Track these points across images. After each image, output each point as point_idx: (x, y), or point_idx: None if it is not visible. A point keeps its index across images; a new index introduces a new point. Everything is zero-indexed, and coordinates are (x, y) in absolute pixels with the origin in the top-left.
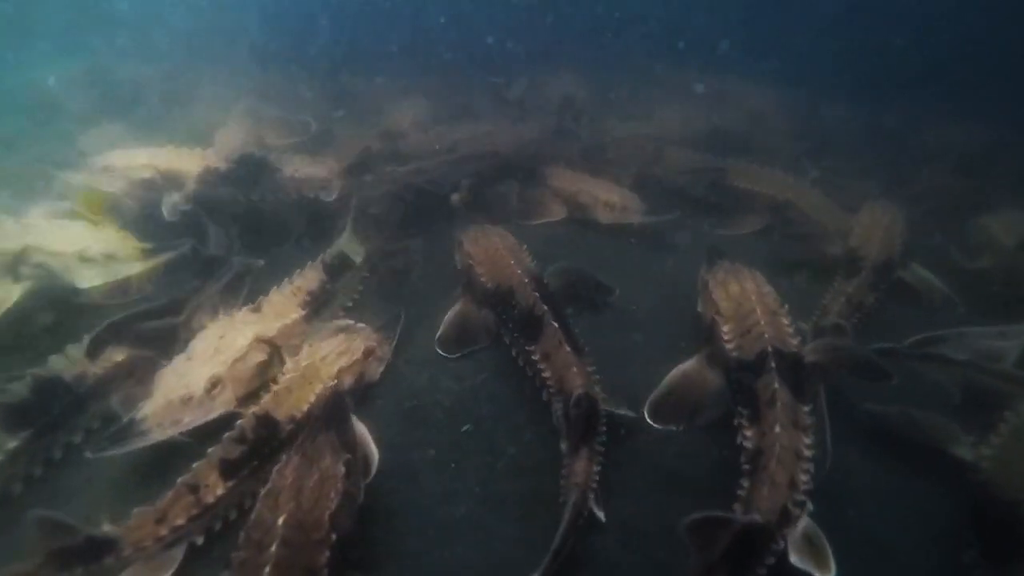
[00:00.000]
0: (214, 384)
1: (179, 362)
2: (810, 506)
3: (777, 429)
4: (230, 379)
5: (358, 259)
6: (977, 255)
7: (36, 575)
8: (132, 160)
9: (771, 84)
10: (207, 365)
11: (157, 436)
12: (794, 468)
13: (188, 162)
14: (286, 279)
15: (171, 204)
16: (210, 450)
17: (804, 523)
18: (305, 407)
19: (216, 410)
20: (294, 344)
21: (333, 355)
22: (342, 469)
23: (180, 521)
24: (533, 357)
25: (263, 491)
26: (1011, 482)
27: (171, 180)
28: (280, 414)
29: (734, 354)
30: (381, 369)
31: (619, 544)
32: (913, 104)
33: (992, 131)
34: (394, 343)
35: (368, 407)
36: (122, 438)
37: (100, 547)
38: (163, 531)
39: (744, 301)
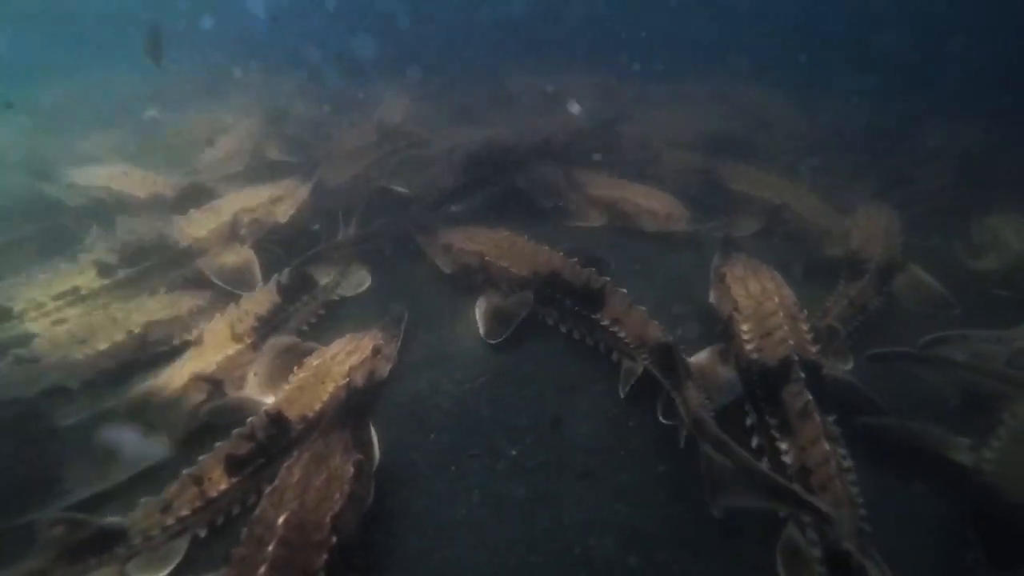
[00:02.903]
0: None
1: None
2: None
3: (825, 445)
4: (164, 427)
5: (324, 280)
6: (981, 255)
7: (49, 571)
8: (92, 179)
9: (772, 86)
10: (139, 410)
11: (81, 495)
12: (848, 483)
13: (139, 186)
14: (232, 303)
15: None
16: (217, 444)
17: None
18: (317, 406)
19: (147, 460)
20: (238, 376)
21: (343, 354)
22: (351, 470)
23: (185, 512)
24: (603, 323)
25: (270, 487)
26: (1015, 484)
27: (121, 203)
28: (292, 413)
29: (754, 356)
30: (389, 367)
31: (619, 545)
32: (913, 104)
33: (992, 131)
34: (399, 341)
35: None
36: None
37: (109, 538)
38: (169, 521)
39: (765, 301)
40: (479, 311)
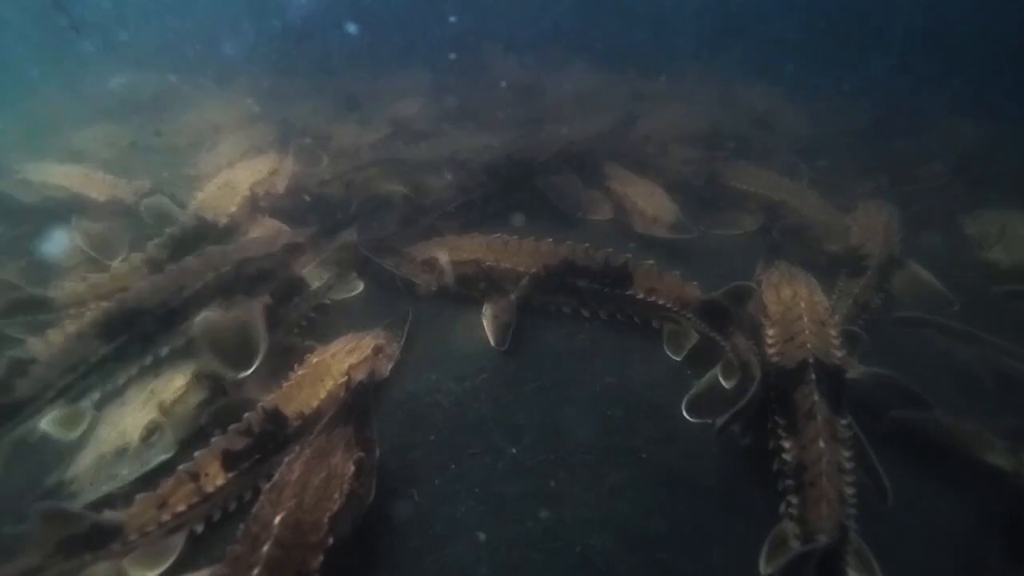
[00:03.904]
0: (151, 431)
1: (111, 409)
2: (855, 523)
3: (821, 443)
4: (170, 425)
5: (315, 283)
6: (989, 246)
7: (45, 567)
8: (48, 177)
9: (773, 84)
10: (143, 410)
11: (89, 496)
12: (841, 483)
13: (99, 189)
14: None
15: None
16: (214, 440)
17: (856, 542)
18: (315, 404)
19: (155, 459)
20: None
21: (343, 352)
22: (351, 468)
23: (181, 508)
24: (638, 296)
25: (269, 483)
26: None
27: (78, 203)
28: (289, 410)
29: (775, 359)
30: (390, 366)
31: (619, 544)
32: (914, 103)
33: (993, 130)
34: (402, 341)
35: None
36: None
37: (106, 533)
38: (165, 517)
39: (793, 307)
40: (486, 319)
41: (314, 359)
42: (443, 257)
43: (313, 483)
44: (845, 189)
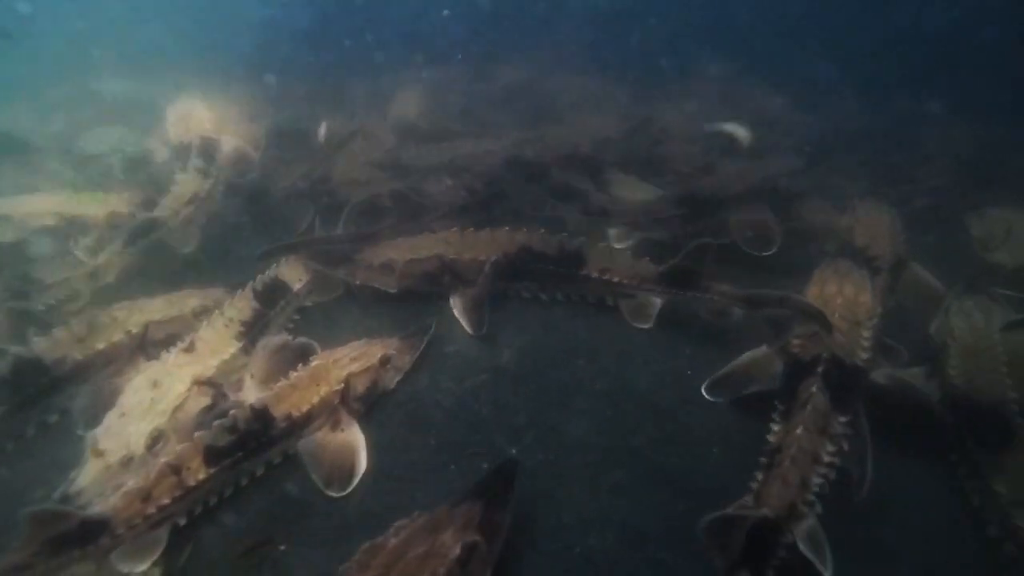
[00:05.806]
0: (155, 439)
1: (111, 420)
2: (818, 508)
3: (799, 431)
4: (173, 431)
5: (296, 285)
6: (994, 247)
7: (31, 563)
8: (32, 208)
9: (772, 86)
10: (145, 419)
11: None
12: (808, 470)
13: (94, 207)
14: (216, 311)
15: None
16: (197, 434)
17: (810, 522)
18: (305, 408)
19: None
20: (235, 380)
21: (346, 359)
22: (457, 552)
23: (165, 501)
24: (592, 275)
25: (369, 542)
26: None
27: (77, 226)
28: (277, 411)
29: (795, 350)
30: (397, 379)
31: (619, 544)
32: (913, 103)
33: (992, 130)
34: (417, 354)
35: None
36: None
37: (93, 528)
38: (150, 510)
39: (830, 303)
40: (457, 310)
41: (315, 362)
42: (402, 257)
43: (408, 556)
44: (843, 188)
